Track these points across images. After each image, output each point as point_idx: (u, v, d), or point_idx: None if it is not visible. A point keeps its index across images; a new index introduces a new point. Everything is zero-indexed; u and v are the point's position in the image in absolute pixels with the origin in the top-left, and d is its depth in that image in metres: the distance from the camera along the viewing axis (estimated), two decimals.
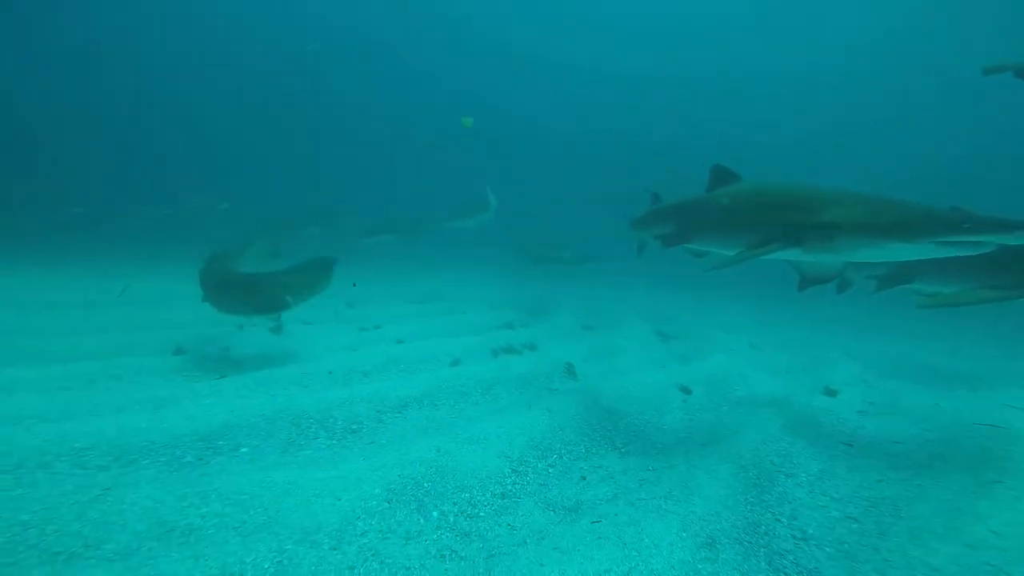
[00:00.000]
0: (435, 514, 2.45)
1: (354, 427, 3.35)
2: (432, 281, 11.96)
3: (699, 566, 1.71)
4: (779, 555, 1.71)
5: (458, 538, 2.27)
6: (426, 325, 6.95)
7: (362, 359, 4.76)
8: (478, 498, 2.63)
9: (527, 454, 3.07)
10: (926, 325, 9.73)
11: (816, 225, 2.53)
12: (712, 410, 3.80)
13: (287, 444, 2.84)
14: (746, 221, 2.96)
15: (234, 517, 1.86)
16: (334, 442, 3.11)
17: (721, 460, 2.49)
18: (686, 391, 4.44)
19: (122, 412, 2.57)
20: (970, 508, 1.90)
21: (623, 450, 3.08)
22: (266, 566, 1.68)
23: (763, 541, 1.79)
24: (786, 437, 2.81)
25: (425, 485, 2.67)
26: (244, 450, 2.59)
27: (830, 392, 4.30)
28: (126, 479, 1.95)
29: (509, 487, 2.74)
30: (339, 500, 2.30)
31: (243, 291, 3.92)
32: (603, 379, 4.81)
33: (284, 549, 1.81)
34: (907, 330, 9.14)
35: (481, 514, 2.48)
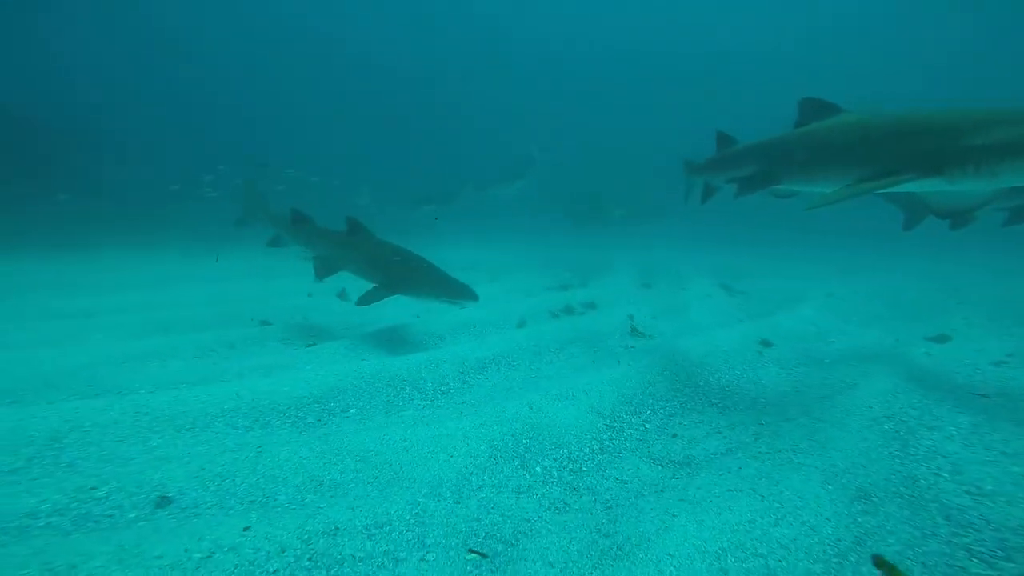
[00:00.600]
0: (538, 469, 2.48)
1: (443, 388, 3.44)
2: (474, 248, 12.00)
3: (859, 519, 1.60)
4: (958, 510, 1.56)
5: (567, 491, 2.29)
6: (483, 290, 6.98)
7: (433, 324, 4.86)
8: (576, 453, 2.62)
9: (619, 410, 3.02)
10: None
11: (975, 149, 2.22)
12: (812, 364, 3.55)
13: (388, 405, 2.95)
14: (864, 153, 2.62)
15: (367, 473, 1.95)
16: (428, 402, 3.20)
17: (847, 413, 2.31)
18: (766, 344, 4.20)
19: (244, 377, 2.76)
20: None
21: (721, 405, 2.96)
22: (407, 517, 1.75)
23: (929, 495, 1.65)
24: (915, 389, 2.56)
25: (524, 441, 2.70)
26: (353, 411, 2.71)
27: (942, 339, 3.89)
28: (270, 438, 2.10)
29: (606, 442, 2.72)
30: (452, 457, 2.36)
31: (378, 268, 3.98)
32: (679, 336, 4.63)
33: (417, 502, 1.88)
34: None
35: (584, 468, 2.48)
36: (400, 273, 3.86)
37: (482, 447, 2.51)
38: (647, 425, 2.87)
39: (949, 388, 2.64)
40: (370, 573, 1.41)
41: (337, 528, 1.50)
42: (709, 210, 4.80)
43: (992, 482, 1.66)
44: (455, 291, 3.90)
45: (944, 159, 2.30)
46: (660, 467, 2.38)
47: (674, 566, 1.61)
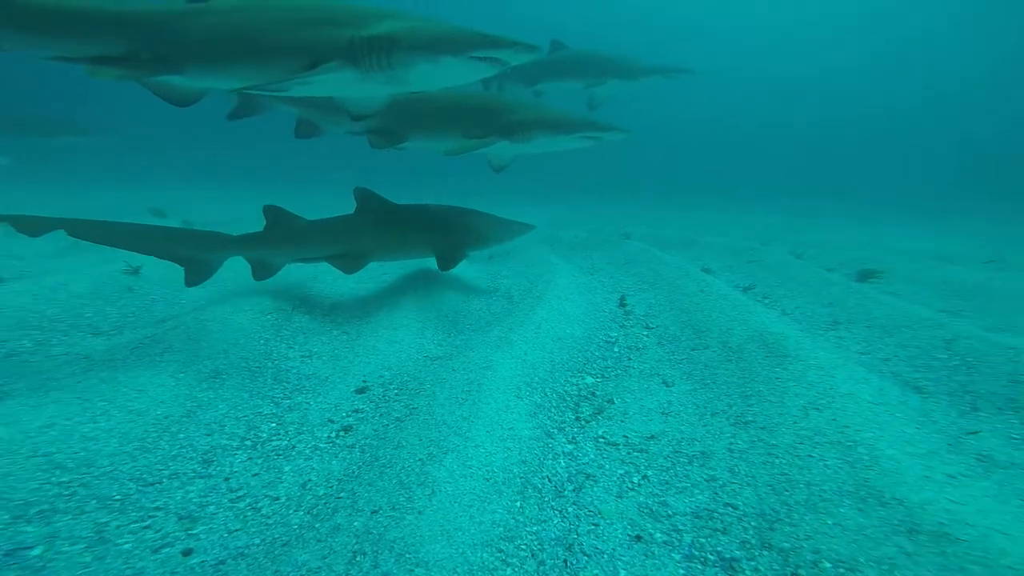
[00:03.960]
0: None
1: None
2: None
3: (201, 395, 1.96)
4: (285, 371, 2.31)
5: None
6: None
7: None
8: None
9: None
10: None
11: (376, 38, 2.23)
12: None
13: None
14: (289, 43, 2.30)
15: None
16: None
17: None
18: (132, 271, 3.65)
19: None
20: None
21: None
22: None
23: (271, 364, 2.32)
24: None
25: None
26: None
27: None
28: None
29: None
30: None
31: (430, 232, 3.43)
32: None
33: None
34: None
35: None
36: (460, 227, 3.52)
37: None
38: None
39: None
40: None
41: None
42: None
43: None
44: (518, 227, 3.85)
45: (361, 48, 2.22)
46: None
47: None
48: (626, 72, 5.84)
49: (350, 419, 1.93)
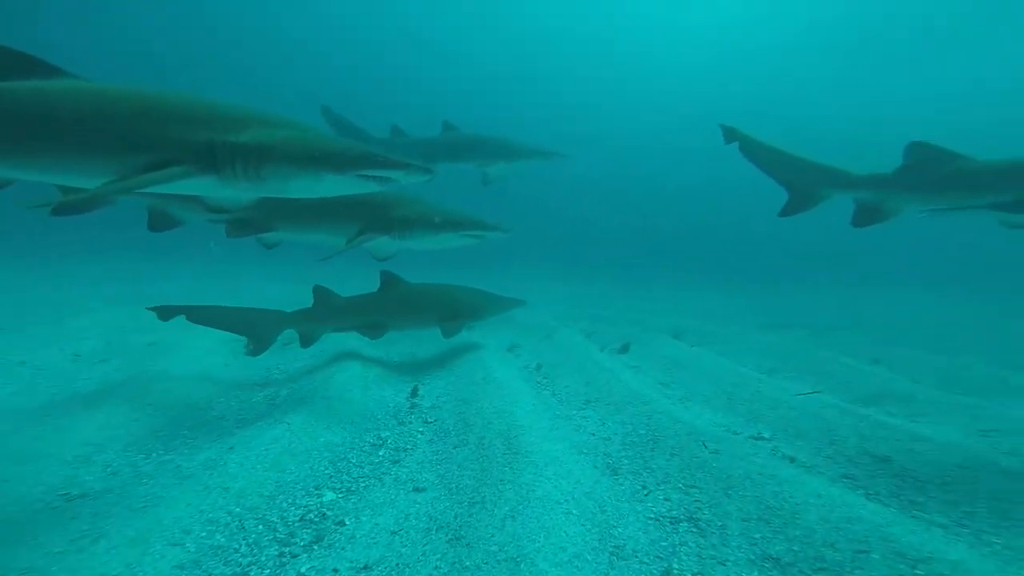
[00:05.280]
0: None
1: None
2: None
3: None
4: None
5: None
6: None
7: None
8: None
9: None
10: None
11: (243, 146, 2.13)
12: None
13: None
14: (125, 137, 2.10)
15: None
16: None
17: None
18: None
19: None
20: None
21: None
22: None
23: None
24: None
25: None
26: None
27: None
28: None
29: None
30: None
31: (438, 306, 4.23)
32: None
33: None
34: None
35: None
36: (460, 302, 4.27)
37: None
38: None
39: None
40: None
41: None
42: None
43: None
44: (510, 302, 4.59)
45: (223, 154, 2.11)
46: None
47: None
48: (510, 154, 6.55)
49: None
